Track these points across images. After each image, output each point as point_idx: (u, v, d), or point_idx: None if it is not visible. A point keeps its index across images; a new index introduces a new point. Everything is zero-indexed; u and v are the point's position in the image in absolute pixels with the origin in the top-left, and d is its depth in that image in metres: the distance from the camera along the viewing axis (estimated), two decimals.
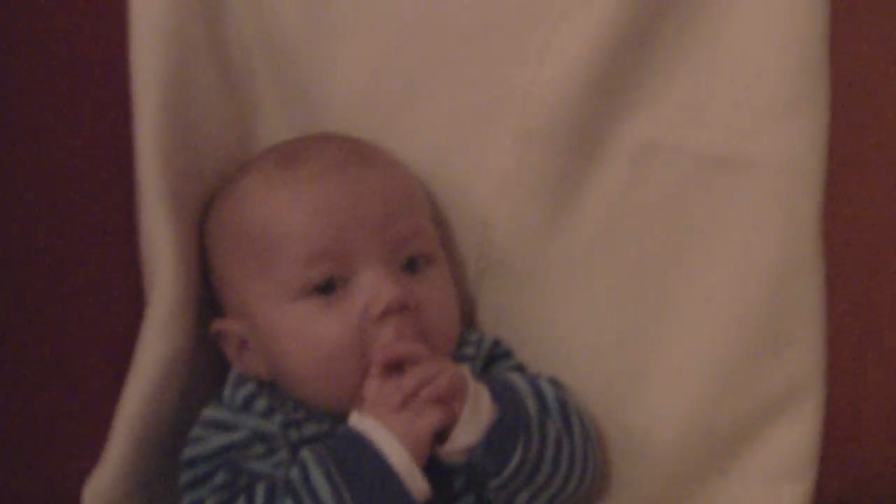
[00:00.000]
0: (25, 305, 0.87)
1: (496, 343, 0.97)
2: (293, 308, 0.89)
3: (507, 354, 0.97)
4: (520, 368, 0.97)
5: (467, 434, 0.84)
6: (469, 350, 0.95)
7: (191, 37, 0.96)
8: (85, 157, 0.92)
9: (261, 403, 0.89)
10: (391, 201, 0.91)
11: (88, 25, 0.94)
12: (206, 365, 0.96)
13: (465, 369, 0.88)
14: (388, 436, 0.82)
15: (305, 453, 0.83)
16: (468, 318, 1.01)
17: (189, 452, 0.88)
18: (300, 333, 0.89)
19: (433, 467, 0.85)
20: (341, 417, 0.88)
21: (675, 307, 0.95)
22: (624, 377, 0.96)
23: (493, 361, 0.96)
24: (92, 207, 0.93)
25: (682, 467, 0.95)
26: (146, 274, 0.93)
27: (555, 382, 0.94)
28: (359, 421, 0.84)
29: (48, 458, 0.88)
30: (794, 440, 0.93)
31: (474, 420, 0.85)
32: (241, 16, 1.00)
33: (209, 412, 0.90)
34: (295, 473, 0.82)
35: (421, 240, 0.92)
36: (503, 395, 0.88)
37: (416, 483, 0.82)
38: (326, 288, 0.89)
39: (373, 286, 0.88)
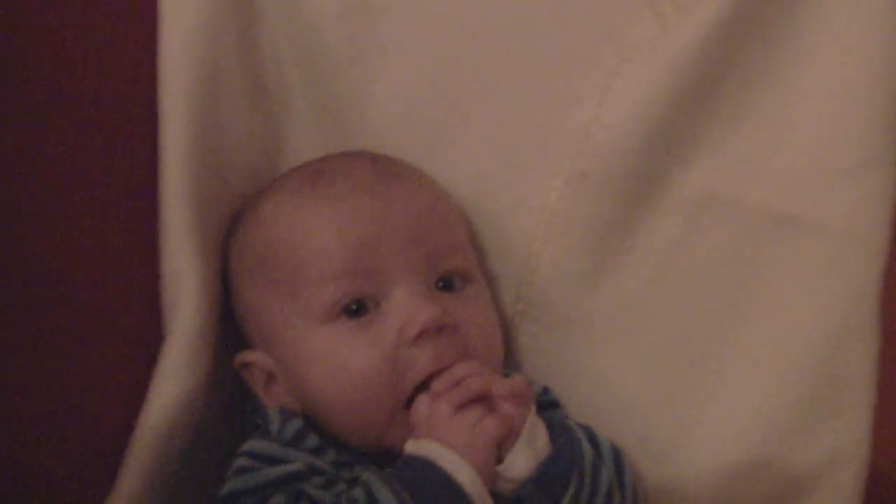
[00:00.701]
0: (35, 334, 0.81)
1: (545, 391, 0.92)
2: (322, 332, 0.84)
3: (555, 405, 0.93)
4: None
5: (521, 462, 0.80)
6: None
7: (222, 51, 0.91)
8: (106, 178, 0.86)
9: (312, 439, 0.84)
10: (424, 216, 0.86)
11: (115, 38, 0.87)
12: (222, 401, 0.91)
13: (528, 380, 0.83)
14: (451, 455, 0.77)
15: (367, 475, 0.78)
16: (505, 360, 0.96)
17: (235, 484, 0.81)
18: (329, 359, 0.83)
19: None
20: (383, 458, 0.83)
21: (719, 368, 0.91)
22: (661, 436, 0.92)
23: (540, 410, 0.90)
24: (110, 231, 0.86)
25: None
26: (165, 305, 0.87)
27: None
28: (417, 446, 0.79)
29: (56, 498, 0.83)
30: None
31: (530, 449, 0.80)
32: (277, 29, 0.95)
33: (255, 445, 0.83)
34: (359, 493, 0.77)
35: (457, 256, 0.88)
36: (560, 433, 0.83)
37: (484, 500, 0.77)
38: (358, 310, 0.84)
39: (407, 306, 0.83)
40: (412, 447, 0.79)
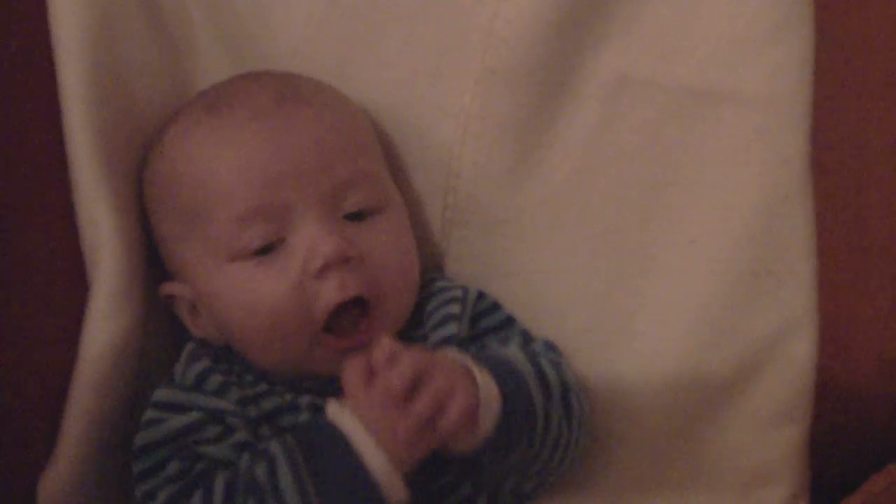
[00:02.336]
0: None
1: (481, 296, 0.91)
2: (230, 269, 0.83)
3: (495, 307, 0.91)
4: (509, 322, 0.91)
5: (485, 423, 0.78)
6: (454, 308, 0.88)
7: None
8: (14, 135, 0.84)
9: (213, 381, 0.83)
10: (327, 146, 0.84)
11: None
12: (160, 342, 0.91)
13: (478, 373, 0.78)
14: (368, 438, 0.74)
15: (275, 447, 0.77)
16: (438, 270, 0.95)
17: (141, 439, 0.82)
18: (239, 296, 0.83)
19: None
20: (302, 387, 0.84)
21: (657, 250, 0.90)
22: (607, 326, 0.91)
23: (480, 317, 0.90)
24: (23, 186, 0.85)
25: (672, 417, 0.90)
26: (86, 254, 0.86)
27: (552, 350, 0.89)
28: (337, 415, 0.76)
29: None
30: (788, 381, 0.89)
31: (483, 414, 0.77)
32: None
33: (161, 393, 0.84)
34: (262, 470, 0.76)
35: (365, 185, 0.86)
36: (508, 383, 0.80)
37: (395, 491, 0.74)
38: (267, 249, 0.83)
39: (311, 240, 0.82)
40: (333, 412, 0.76)
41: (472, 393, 0.75)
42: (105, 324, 0.84)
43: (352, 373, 0.75)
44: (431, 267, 0.95)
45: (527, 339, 0.90)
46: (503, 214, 0.92)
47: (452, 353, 0.79)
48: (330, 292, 0.81)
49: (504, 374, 0.81)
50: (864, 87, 0.87)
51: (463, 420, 0.74)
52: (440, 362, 0.75)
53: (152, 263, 0.89)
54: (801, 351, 0.88)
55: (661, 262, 0.90)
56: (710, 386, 0.89)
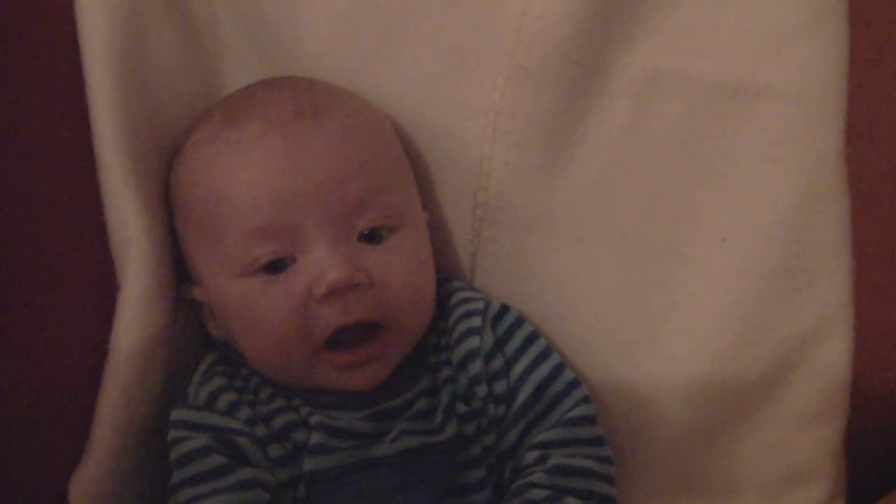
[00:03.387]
0: None
1: (504, 310, 0.89)
2: (240, 284, 0.84)
3: (519, 322, 0.89)
4: (534, 337, 0.89)
5: None
6: (475, 321, 0.88)
7: None
8: (41, 136, 0.85)
9: (224, 400, 0.84)
10: (343, 163, 0.83)
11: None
12: (190, 339, 0.91)
13: None
14: None
15: None
16: (468, 272, 0.95)
17: (171, 455, 0.83)
18: (244, 312, 0.84)
19: (451, 458, 0.82)
20: (317, 402, 0.84)
21: (688, 248, 0.89)
22: (637, 324, 0.90)
23: (507, 338, 0.88)
24: (50, 189, 0.85)
25: (702, 417, 0.89)
26: (115, 254, 0.86)
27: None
28: None
29: (29, 457, 0.83)
30: (822, 380, 0.88)
31: None
32: None
33: (175, 414, 0.84)
34: None
35: (382, 203, 0.84)
36: None
37: None
38: (277, 265, 0.83)
39: (319, 264, 0.82)
40: None
41: None
42: (136, 322, 0.84)
43: None
44: (460, 267, 0.94)
45: (554, 367, 0.88)
46: (533, 213, 0.91)
47: None
48: (331, 315, 0.81)
49: None
50: None
51: None
52: None
53: (180, 262, 0.89)
54: (835, 349, 0.87)
55: (693, 260, 0.89)
56: (742, 385, 0.88)
